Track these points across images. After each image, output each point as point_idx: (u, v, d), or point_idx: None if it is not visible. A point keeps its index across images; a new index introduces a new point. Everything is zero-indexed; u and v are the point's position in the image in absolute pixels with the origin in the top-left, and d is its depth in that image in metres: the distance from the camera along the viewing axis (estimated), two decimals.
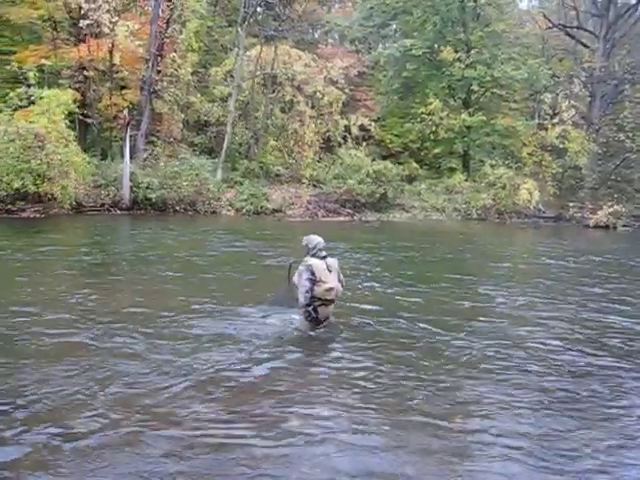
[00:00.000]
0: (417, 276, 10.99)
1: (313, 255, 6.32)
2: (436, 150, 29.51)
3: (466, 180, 28.05)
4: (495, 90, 30.08)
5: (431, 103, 28.39)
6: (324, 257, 6.34)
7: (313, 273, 6.14)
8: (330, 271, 6.28)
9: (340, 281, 6.44)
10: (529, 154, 29.49)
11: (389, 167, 25.07)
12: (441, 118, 28.50)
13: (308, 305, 6.24)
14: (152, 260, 11.40)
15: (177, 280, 9.45)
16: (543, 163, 29.35)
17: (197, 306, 7.56)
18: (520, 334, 7.04)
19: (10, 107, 18.87)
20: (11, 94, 19.21)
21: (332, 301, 6.39)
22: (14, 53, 22.68)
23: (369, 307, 7.96)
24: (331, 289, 6.22)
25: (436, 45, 29.79)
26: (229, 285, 9.32)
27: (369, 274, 10.69)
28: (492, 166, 27.18)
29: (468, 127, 28.68)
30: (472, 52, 28.67)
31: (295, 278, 6.37)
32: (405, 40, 29.36)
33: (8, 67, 21.21)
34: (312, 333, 6.36)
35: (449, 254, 14.91)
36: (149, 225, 17.82)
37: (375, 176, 24.12)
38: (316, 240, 6.43)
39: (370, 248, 14.59)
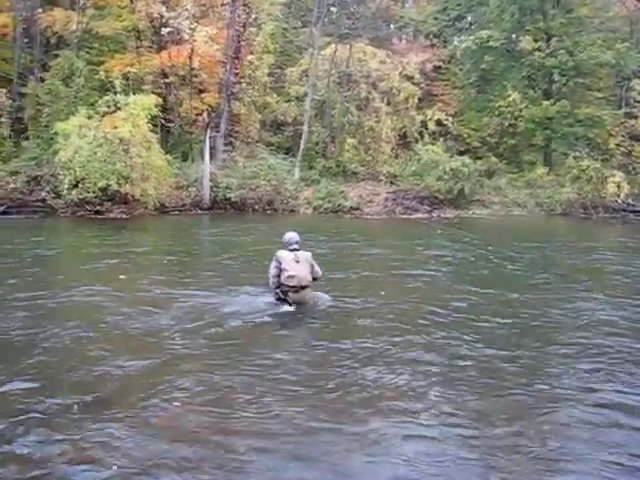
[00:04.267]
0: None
1: (285, 248, 7.36)
2: (515, 142, 28.61)
3: (548, 173, 26.98)
4: (578, 79, 28.73)
5: (509, 95, 27.51)
6: (294, 250, 7.29)
7: (280, 262, 7.21)
8: (297, 262, 7.20)
9: (314, 272, 7.32)
10: (617, 145, 28.02)
11: (467, 162, 24.46)
12: (520, 110, 27.58)
13: (276, 288, 7.29)
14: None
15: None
16: (633, 154, 27.82)
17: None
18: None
19: (98, 113, 19.74)
20: (99, 101, 20.12)
21: (299, 287, 7.22)
22: (102, 63, 23.75)
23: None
24: (292, 277, 7.16)
25: (514, 35, 28.83)
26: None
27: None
28: (576, 158, 25.96)
29: (549, 118, 27.56)
30: (553, 40, 27.50)
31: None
32: (482, 32, 28.47)
33: (97, 76, 22.31)
34: (288, 307, 7.24)
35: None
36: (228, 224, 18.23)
37: (453, 172, 23.64)
38: (289, 236, 7.45)
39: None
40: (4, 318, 6.74)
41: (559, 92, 28.85)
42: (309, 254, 7.41)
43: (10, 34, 23.89)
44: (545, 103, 27.31)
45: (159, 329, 6.46)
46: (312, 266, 7.32)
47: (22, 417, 4.17)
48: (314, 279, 7.38)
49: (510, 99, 27.30)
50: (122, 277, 9.37)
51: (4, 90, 22.38)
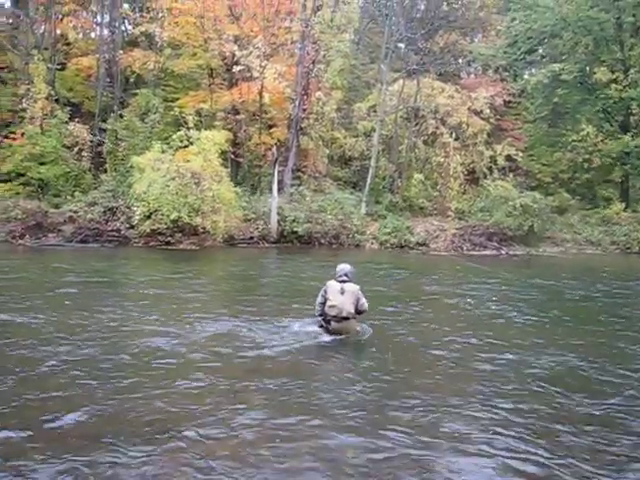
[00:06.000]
0: None
1: (335, 279, 7.61)
2: (589, 177, 27.68)
3: (625, 210, 25.91)
4: None
5: (583, 129, 26.74)
6: (343, 281, 7.52)
7: (326, 292, 7.52)
8: (342, 293, 7.40)
9: (359, 305, 7.43)
10: None
11: (538, 198, 23.83)
12: (595, 144, 26.73)
13: (320, 315, 7.58)
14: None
15: None
16: None
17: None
18: None
19: (172, 148, 20.46)
20: (173, 136, 20.87)
21: (340, 318, 7.40)
22: (176, 100, 24.80)
23: None
24: (333, 306, 7.39)
25: (588, 67, 28.17)
26: None
27: None
28: None
29: (627, 153, 26.59)
30: (631, 71, 26.69)
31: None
32: (554, 65, 27.90)
33: (171, 112, 23.22)
34: (326, 338, 7.43)
35: None
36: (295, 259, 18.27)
37: (523, 208, 23.04)
38: (340, 267, 7.72)
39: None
40: None
41: (637, 125, 27.83)
42: (357, 287, 7.53)
43: (94, 75, 25.32)
44: (624, 137, 26.36)
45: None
46: (357, 299, 7.45)
47: None
48: (359, 312, 7.51)
49: (584, 133, 26.56)
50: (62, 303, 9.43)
51: (86, 126, 23.64)
